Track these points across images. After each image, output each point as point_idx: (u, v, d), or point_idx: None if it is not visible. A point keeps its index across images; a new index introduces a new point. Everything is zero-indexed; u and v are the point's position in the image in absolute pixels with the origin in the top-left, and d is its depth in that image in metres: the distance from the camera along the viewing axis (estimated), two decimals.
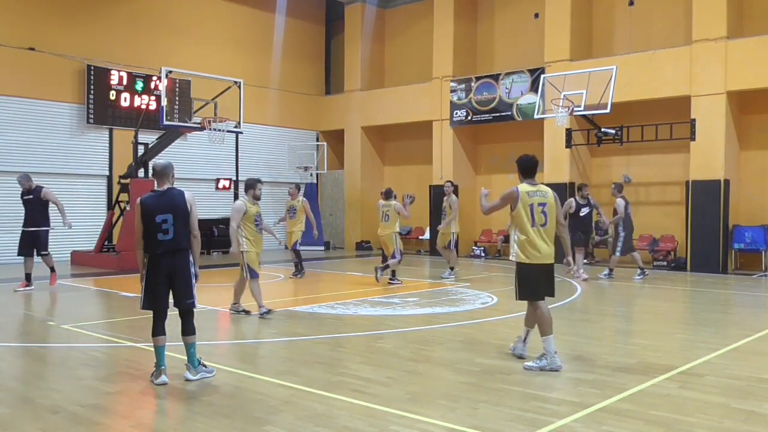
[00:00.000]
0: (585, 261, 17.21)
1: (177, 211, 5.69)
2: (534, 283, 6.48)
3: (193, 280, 5.81)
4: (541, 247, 6.42)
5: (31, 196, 12.12)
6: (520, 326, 8.41)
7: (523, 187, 6.36)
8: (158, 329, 5.73)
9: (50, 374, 6.00)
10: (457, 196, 14.73)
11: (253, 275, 8.90)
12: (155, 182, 5.91)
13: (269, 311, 8.91)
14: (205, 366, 5.83)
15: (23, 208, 12.15)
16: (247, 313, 8.99)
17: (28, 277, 11.83)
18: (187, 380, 5.66)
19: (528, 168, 6.48)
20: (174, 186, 5.91)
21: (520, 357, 6.59)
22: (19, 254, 12.10)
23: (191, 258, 5.82)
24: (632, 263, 14.57)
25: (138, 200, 5.75)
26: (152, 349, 5.76)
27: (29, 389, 5.46)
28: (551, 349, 6.17)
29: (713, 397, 5.30)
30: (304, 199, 14.29)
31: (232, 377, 5.86)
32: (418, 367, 6.32)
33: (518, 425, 4.57)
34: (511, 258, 6.57)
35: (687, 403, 5.15)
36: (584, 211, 14.17)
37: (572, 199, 14.27)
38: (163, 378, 5.59)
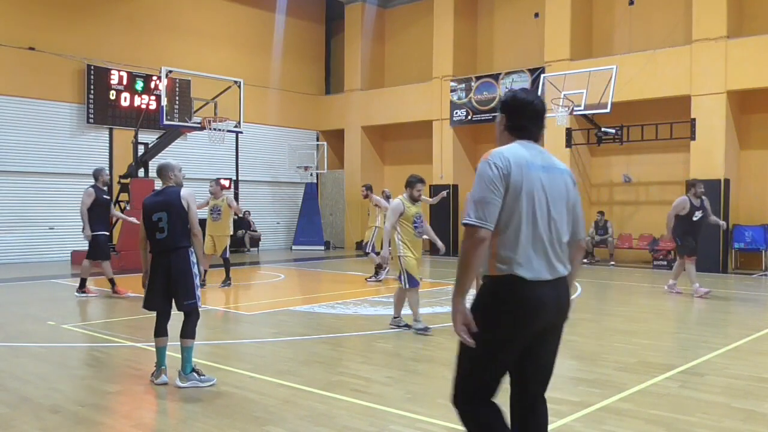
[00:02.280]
0: (585, 261, 17.25)
1: (172, 209, 5.56)
2: None
3: (195, 281, 5.62)
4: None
5: (108, 197, 11.08)
6: None
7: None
8: (159, 329, 5.70)
9: (50, 374, 5.99)
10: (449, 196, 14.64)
11: (413, 284, 7.88)
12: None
13: (427, 328, 7.82)
14: (199, 374, 5.56)
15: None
16: (409, 327, 7.96)
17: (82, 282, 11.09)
18: (177, 387, 5.48)
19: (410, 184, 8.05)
20: (180, 185, 5.80)
21: None
22: (102, 258, 11.04)
23: (193, 257, 5.68)
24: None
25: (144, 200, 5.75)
26: (152, 348, 5.76)
27: (29, 389, 5.46)
28: None
29: (713, 396, 5.30)
30: (230, 196, 12.59)
31: (232, 377, 5.85)
32: (418, 367, 6.32)
33: None
34: None
35: (687, 402, 5.15)
36: (698, 215, 11.29)
37: (685, 198, 11.39)
38: (164, 378, 5.58)
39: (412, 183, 8.08)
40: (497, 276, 2.90)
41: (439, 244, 8.52)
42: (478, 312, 2.92)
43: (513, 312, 2.87)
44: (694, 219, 11.16)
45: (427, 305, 10.11)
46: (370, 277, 12.96)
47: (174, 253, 5.59)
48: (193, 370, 5.58)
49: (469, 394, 3.04)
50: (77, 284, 11.20)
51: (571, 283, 3.10)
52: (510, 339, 2.92)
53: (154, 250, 5.63)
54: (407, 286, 7.88)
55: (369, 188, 13.36)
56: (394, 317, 8.19)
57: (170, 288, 5.59)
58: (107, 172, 11.22)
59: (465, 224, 2.85)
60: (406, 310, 8.13)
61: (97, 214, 10.60)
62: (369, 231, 13.23)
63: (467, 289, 2.87)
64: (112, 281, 10.92)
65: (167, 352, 5.73)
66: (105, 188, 10.88)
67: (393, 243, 7.93)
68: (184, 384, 5.50)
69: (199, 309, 5.73)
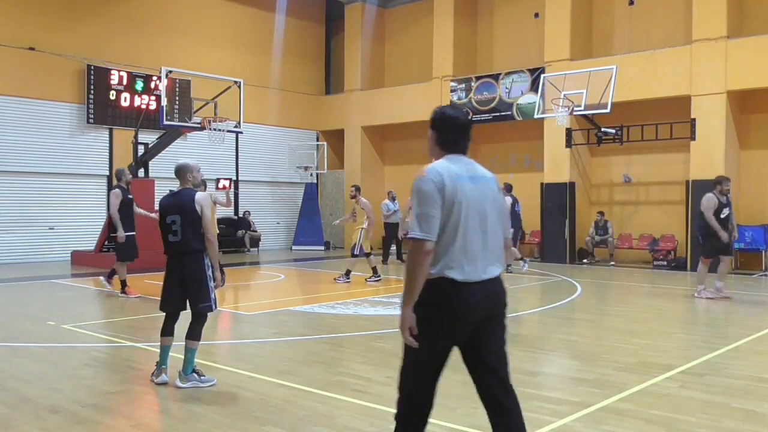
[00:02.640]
0: (585, 261, 17.25)
1: (184, 212, 5.51)
2: None
3: (209, 284, 5.56)
4: None
5: (131, 196, 11.03)
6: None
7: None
8: (165, 329, 5.69)
9: (50, 374, 5.99)
10: None
11: None
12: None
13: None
14: (199, 375, 5.56)
15: (124, 209, 10.71)
16: None
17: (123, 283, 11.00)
18: (177, 387, 5.48)
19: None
20: (198, 186, 5.77)
21: None
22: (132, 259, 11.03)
23: (207, 261, 5.61)
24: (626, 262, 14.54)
25: (207, 195, 5.71)
26: (152, 348, 5.76)
27: (29, 389, 5.46)
28: None
29: (713, 396, 5.30)
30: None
31: (232, 377, 5.85)
32: None
33: None
34: None
35: (687, 402, 5.15)
36: (726, 212, 10.98)
37: (712, 195, 10.92)
38: (164, 377, 5.59)
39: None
40: (432, 279, 3.17)
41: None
42: (417, 312, 3.18)
43: (446, 310, 3.16)
44: (722, 216, 10.88)
45: None
46: (370, 278, 12.97)
47: (187, 257, 5.55)
48: (194, 370, 5.57)
49: (412, 381, 3.33)
50: (77, 284, 11.16)
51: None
52: (443, 333, 3.20)
53: (168, 252, 5.63)
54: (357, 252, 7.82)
55: (358, 189, 13.34)
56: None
57: (184, 291, 5.59)
58: (129, 172, 11.18)
59: (411, 238, 3.12)
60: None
61: (123, 215, 10.64)
62: (356, 233, 13.17)
63: (415, 297, 3.14)
64: (123, 282, 10.88)
65: (171, 353, 5.73)
66: (127, 188, 10.90)
67: None
68: (184, 384, 5.49)
69: (212, 311, 5.67)
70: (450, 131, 3.38)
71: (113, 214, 10.57)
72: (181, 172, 5.71)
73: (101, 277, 11.47)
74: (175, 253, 5.59)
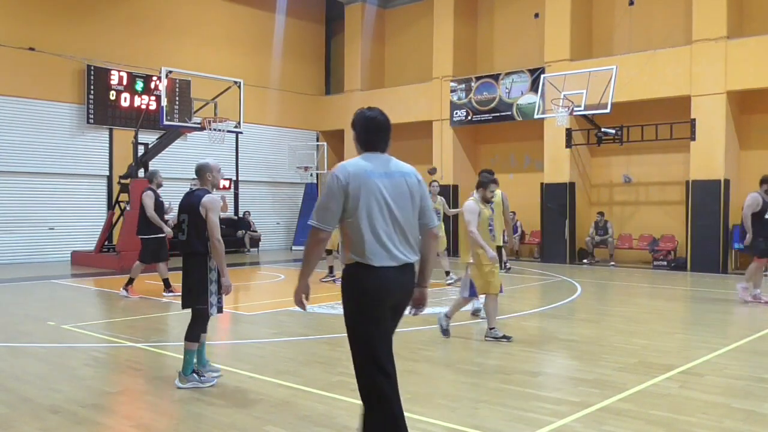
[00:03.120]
0: (585, 261, 17.25)
1: (191, 212, 5.53)
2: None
3: (209, 287, 5.51)
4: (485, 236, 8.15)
5: (161, 199, 11.07)
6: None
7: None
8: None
9: (50, 374, 5.99)
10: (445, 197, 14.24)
11: (472, 293, 7.51)
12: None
13: (446, 332, 7.47)
14: (199, 375, 5.56)
15: (157, 210, 10.76)
16: (509, 339, 7.32)
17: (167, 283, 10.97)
18: (177, 388, 5.48)
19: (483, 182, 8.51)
20: (216, 186, 5.78)
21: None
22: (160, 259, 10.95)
23: (210, 264, 5.55)
24: (630, 262, 14.54)
25: (217, 198, 5.69)
26: (152, 348, 5.76)
27: (29, 389, 5.46)
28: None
29: (713, 396, 5.30)
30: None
31: (232, 377, 5.85)
32: (418, 367, 6.31)
33: (518, 425, 4.57)
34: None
35: (687, 402, 5.15)
36: None
37: (757, 194, 10.32)
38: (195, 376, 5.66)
39: (485, 183, 7.51)
40: (351, 264, 3.53)
41: (490, 253, 7.68)
42: (343, 295, 3.57)
43: (366, 293, 3.50)
44: (767, 217, 10.24)
45: (427, 306, 10.10)
46: (324, 277, 12.79)
47: (189, 257, 5.56)
48: (194, 371, 5.57)
49: (368, 369, 3.55)
50: (77, 284, 11.17)
51: (427, 267, 3.78)
52: (371, 314, 3.50)
53: (178, 250, 5.67)
54: (467, 294, 7.39)
55: None
56: (490, 329, 7.49)
57: (185, 291, 5.59)
58: (161, 174, 11.22)
59: (309, 224, 3.54)
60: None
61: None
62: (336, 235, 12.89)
63: (309, 273, 3.64)
64: (166, 281, 10.86)
65: (170, 353, 5.72)
66: (158, 190, 10.94)
67: (467, 248, 7.41)
68: (183, 385, 5.49)
69: (210, 315, 5.61)
70: (367, 131, 3.68)
71: (151, 215, 10.57)
72: (201, 171, 5.72)
73: (163, 293, 10.99)
74: (180, 252, 5.65)
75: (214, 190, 5.79)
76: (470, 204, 7.46)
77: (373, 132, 3.68)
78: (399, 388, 3.63)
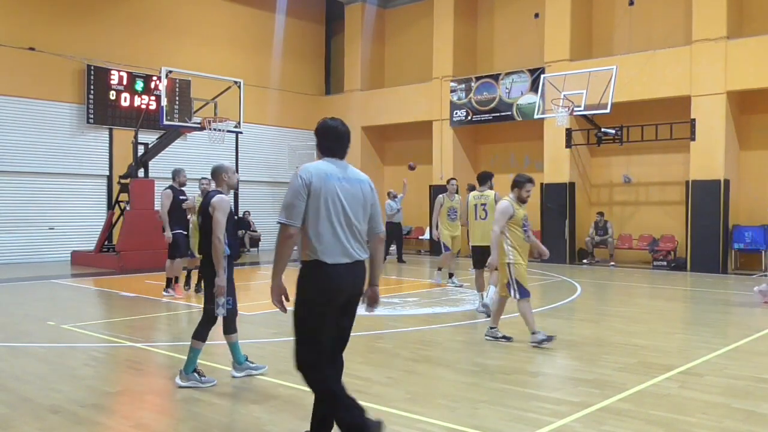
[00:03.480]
0: (585, 261, 17.25)
1: (204, 213, 5.63)
2: (476, 257, 9.47)
3: (217, 287, 5.50)
4: (478, 234, 9.33)
5: (184, 197, 10.94)
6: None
7: (472, 193, 9.59)
8: (225, 327, 5.80)
9: (50, 374, 5.99)
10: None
11: (524, 294, 7.16)
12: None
13: (549, 338, 7.09)
14: (200, 375, 5.57)
15: (178, 209, 10.68)
16: (509, 339, 7.36)
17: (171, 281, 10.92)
18: (177, 386, 5.50)
19: (479, 179, 9.60)
20: (232, 187, 5.89)
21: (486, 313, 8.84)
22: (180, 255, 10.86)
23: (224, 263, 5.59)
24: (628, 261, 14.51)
25: (227, 198, 5.76)
26: (152, 348, 5.76)
27: (29, 389, 5.46)
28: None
29: (713, 397, 5.30)
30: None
31: (232, 377, 5.85)
32: (418, 367, 6.32)
33: (518, 425, 4.57)
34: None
35: (687, 403, 5.15)
36: None
37: None
38: (233, 373, 5.78)
39: (520, 183, 7.39)
40: (307, 261, 3.81)
41: (543, 248, 7.72)
42: (298, 290, 3.83)
43: (319, 288, 3.78)
44: None
45: (427, 305, 10.11)
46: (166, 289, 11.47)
47: (206, 258, 5.63)
48: (195, 370, 5.57)
49: (306, 360, 3.84)
50: (77, 284, 11.14)
51: (377, 268, 4.11)
52: (322, 309, 3.79)
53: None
54: (518, 296, 7.14)
55: None
56: (491, 327, 7.49)
57: (206, 294, 5.69)
58: (185, 173, 11.11)
59: (279, 222, 3.80)
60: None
61: (176, 214, 10.61)
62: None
63: (281, 270, 3.87)
64: (170, 280, 10.84)
65: (173, 354, 5.72)
66: (182, 188, 10.84)
67: (501, 249, 7.19)
68: (184, 383, 5.50)
69: (217, 315, 5.62)
70: (327, 139, 4.03)
71: (162, 214, 10.54)
72: (216, 172, 5.84)
73: (162, 293, 10.94)
74: (200, 252, 5.75)
75: (231, 191, 5.89)
76: (504, 204, 7.29)
77: (334, 140, 4.02)
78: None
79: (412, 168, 15.76)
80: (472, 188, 10.25)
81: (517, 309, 7.25)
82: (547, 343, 7.01)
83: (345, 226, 3.84)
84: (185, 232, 10.80)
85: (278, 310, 3.95)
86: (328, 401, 3.89)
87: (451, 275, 12.46)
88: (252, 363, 5.92)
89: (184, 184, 10.89)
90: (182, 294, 10.74)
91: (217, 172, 5.79)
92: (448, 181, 12.25)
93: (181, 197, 10.72)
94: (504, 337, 7.36)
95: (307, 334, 3.84)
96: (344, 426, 3.83)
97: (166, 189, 10.71)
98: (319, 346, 3.84)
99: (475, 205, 9.45)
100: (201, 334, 5.61)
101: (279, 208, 3.96)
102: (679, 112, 15.75)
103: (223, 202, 5.60)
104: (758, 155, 15.80)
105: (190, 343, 5.61)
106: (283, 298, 3.90)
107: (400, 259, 17.55)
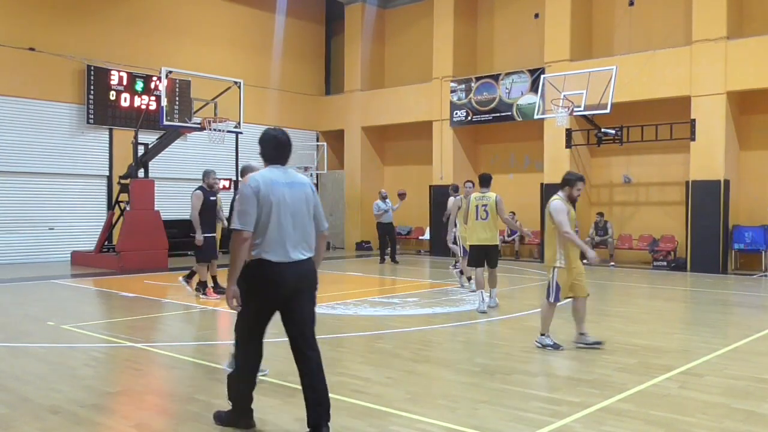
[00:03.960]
0: (585, 262, 17.21)
1: (232, 212, 5.68)
2: (478, 256, 9.70)
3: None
4: (481, 234, 9.56)
5: (214, 198, 10.83)
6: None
7: (474, 194, 9.82)
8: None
9: (50, 374, 5.99)
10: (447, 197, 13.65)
11: (557, 300, 7.02)
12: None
13: (556, 347, 6.97)
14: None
15: (206, 211, 10.54)
16: (600, 343, 7.08)
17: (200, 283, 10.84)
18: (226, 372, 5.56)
19: (481, 181, 9.84)
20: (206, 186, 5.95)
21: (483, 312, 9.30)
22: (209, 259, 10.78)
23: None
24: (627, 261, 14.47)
25: None
26: (152, 349, 5.75)
27: (29, 389, 5.46)
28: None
29: (713, 397, 5.30)
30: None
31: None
32: (418, 367, 6.32)
33: (518, 425, 4.57)
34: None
35: (687, 403, 5.15)
36: None
37: None
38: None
39: (571, 181, 6.97)
40: (254, 260, 4.18)
41: (591, 253, 7.14)
42: (242, 285, 4.19)
43: (264, 283, 4.18)
44: None
45: (427, 306, 10.12)
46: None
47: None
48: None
49: (244, 337, 4.36)
50: (77, 284, 11.14)
51: (318, 263, 4.46)
52: (263, 301, 4.22)
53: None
54: (551, 299, 6.98)
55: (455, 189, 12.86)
56: (580, 334, 7.15)
57: None
58: (215, 174, 10.99)
59: (233, 229, 4.13)
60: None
61: (206, 216, 10.49)
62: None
63: (237, 274, 4.16)
64: (214, 278, 10.77)
65: (174, 355, 5.72)
66: (211, 189, 10.72)
67: (554, 251, 6.90)
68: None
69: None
70: (270, 148, 4.39)
71: (193, 217, 10.40)
72: (243, 173, 5.99)
73: (180, 278, 10.97)
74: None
75: None
76: (558, 204, 6.91)
77: (276, 149, 4.39)
78: (317, 363, 4.36)
79: (402, 196, 16.59)
80: (456, 189, 10.54)
81: (540, 306, 7.20)
82: (551, 349, 6.93)
83: (291, 227, 4.22)
84: (215, 235, 10.76)
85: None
86: (239, 372, 4.39)
87: (469, 279, 12.30)
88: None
89: (213, 186, 10.76)
90: (215, 297, 10.49)
91: (244, 173, 5.89)
92: (464, 183, 12.08)
93: (211, 198, 10.60)
94: (597, 342, 7.05)
95: (249, 317, 4.28)
96: (232, 398, 4.44)
97: (196, 190, 10.54)
98: (253, 326, 4.30)
99: (477, 206, 9.62)
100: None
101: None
102: (679, 112, 15.75)
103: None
104: (758, 155, 15.80)
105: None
106: (237, 300, 4.21)
107: (393, 260, 17.35)
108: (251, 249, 4.16)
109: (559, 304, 7.04)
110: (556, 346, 6.95)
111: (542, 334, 7.08)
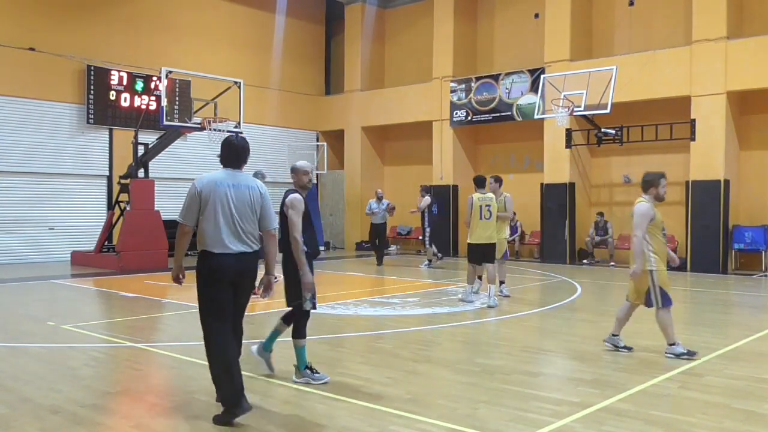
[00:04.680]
0: (585, 262, 17.25)
1: (281, 211, 5.71)
2: (476, 254, 10.05)
3: (299, 281, 5.56)
4: (482, 233, 9.93)
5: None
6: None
7: (476, 195, 10.02)
8: (294, 330, 5.82)
9: (50, 374, 5.99)
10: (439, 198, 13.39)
11: (667, 302, 6.71)
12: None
13: (691, 353, 6.59)
14: (312, 372, 5.71)
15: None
16: (629, 349, 6.94)
17: None
18: (294, 382, 5.66)
19: (478, 183, 10.17)
20: (304, 187, 5.91)
21: (467, 301, 10.02)
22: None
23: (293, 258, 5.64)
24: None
25: (299, 197, 5.69)
26: (152, 349, 5.75)
27: (29, 389, 5.46)
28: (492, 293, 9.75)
29: (713, 397, 5.30)
30: None
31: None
32: (418, 367, 6.32)
33: (518, 425, 4.57)
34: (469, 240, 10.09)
35: (687, 403, 5.15)
36: None
37: None
38: (305, 379, 5.69)
39: (655, 180, 6.72)
40: (202, 251, 4.73)
41: (673, 255, 7.07)
42: (196, 272, 4.78)
43: (208, 271, 4.72)
44: None
45: (427, 306, 10.11)
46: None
47: (285, 255, 5.67)
48: (307, 367, 5.69)
49: (206, 327, 4.80)
50: (77, 284, 11.14)
51: (269, 259, 4.97)
52: (212, 288, 4.73)
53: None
54: (661, 305, 6.66)
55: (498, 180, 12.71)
56: (613, 335, 7.00)
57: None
58: (264, 174, 10.90)
59: (178, 220, 4.78)
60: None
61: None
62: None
63: (179, 258, 4.86)
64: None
65: (165, 352, 5.72)
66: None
67: (644, 255, 6.61)
68: (298, 379, 5.67)
69: (308, 309, 5.71)
70: (224, 152, 4.92)
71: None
72: (292, 172, 6.06)
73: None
74: (280, 251, 5.74)
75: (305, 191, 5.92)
76: (642, 206, 6.65)
77: (229, 154, 4.92)
78: (237, 342, 4.95)
79: (391, 211, 16.83)
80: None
81: (656, 318, 6.75)
82: (686, 357, 6.51)
83: (231, 224, 4.72)
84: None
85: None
86: (208, 348, 4.80)
87: (479, 277, 12.25)
88: (315, 371, 5.75)
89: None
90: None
91: (292, 172, 5.93)
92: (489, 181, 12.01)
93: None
94: (625, 347, 6.91)
95: (204, 303, 4.78)
96: (213, 375, 4.79)
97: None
98: (210, 310, 4.76)
99: (480, 206, 9.96)
100: (300, 331, 5.73)
101: (278, 208, 4.14)
102: (679, 112, 15.75)
103: (295, 200, 5.64)
104: (758, 155, 15.80)
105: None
106: (180, 276, 4.86)
107: (378, 261, 16.83)
108: (199, 242, 4.74)
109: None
110: (690, 354, 6.55)
111: (671, 344, 6.65)
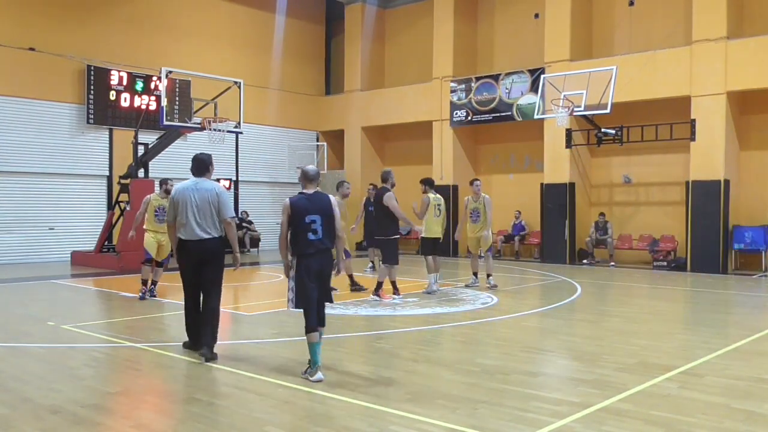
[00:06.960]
0: (585, 262, 17.26)
1: (325, 213, 5.93)
2: (429, 247, 11.43)
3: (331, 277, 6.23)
4: (436, 228, 11.39)
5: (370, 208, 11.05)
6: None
7: (431, 195, 11.32)
8: (313, 324, 5.86)
9: (50, 374, 5.99)
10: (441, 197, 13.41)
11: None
12: (303, 185, 6.11)
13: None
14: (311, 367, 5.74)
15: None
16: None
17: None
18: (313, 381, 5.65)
19: (431, 184, 11.55)
20: (319, 190, 6.13)
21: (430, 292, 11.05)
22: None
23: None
24: (628, 261, 14.44)
25: (288, 201, 5.95)
26: (151, 349, 5.75)
27: (29, 389, 5.46)
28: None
29: (713, 397, 5.30)
30: None
31: (232, 377, 5.85)
32: (418, 367, 6.32)
33: (518, 425, 4.57)
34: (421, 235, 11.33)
35: (687, 403, 5.15)
36: None
37: None
38: (319, 375, 5.66)
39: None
40: (179, 238, 6.51)
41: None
42: (176, 255, 6.64)
43: (181, 253, 6.55)
44: None
45: (427, 305, 10.11)
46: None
47: (327, 253, 5.97)
48: (309, 363, 5.87)
49: (184, 286, 6.66)
50: (77, 284, 11.13)
51: (232, 241, 6.69)
52: (183, 264, 6.59)
53: (307, 250, 5.85)
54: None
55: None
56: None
57: (321, 286, 5.96)
58: (349, 186, 11.62)
59: (165, 220, 7.05)
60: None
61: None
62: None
63: (174, 241, 6.62)
64: (380, 284, 10.62)
65: (165, 352, 5.72)
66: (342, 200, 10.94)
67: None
68: (312, 378, 5.70)
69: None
70: (192, 166, 6.66)
71: (400, 215, 10.64)
72: (319, 176, 6.28)
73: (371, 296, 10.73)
74: (316, 250, 5.88)
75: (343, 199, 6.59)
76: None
77: (194, 166, 6.66)
78: (208, 307, 6.46)
79: None
80: (430, 183, 11.66)
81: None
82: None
83: (197, 218, 6.42)
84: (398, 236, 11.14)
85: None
86: (186, 311, 6.72)
87: (475, 274, 12.46)
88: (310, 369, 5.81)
89: (346, 196, 11.32)
90: (388, 298, 10.42)
91: (319, 177, 6.20)
92: (471, 182, 12.30)
93: (369, 208, 11.17)
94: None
95: (181, 273, 6.62)
96: (187, 328, 6.79)
97: (387, 193, 10.56)
98: (184, 282, 6.62)
99: (435, 205, 11.44)
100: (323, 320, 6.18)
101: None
102: (679, 113, 15.75)
103: (337, 202, 6.27)
104: (758, 155, 15.80)
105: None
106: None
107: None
108: (177, 232, 6.49)
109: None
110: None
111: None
